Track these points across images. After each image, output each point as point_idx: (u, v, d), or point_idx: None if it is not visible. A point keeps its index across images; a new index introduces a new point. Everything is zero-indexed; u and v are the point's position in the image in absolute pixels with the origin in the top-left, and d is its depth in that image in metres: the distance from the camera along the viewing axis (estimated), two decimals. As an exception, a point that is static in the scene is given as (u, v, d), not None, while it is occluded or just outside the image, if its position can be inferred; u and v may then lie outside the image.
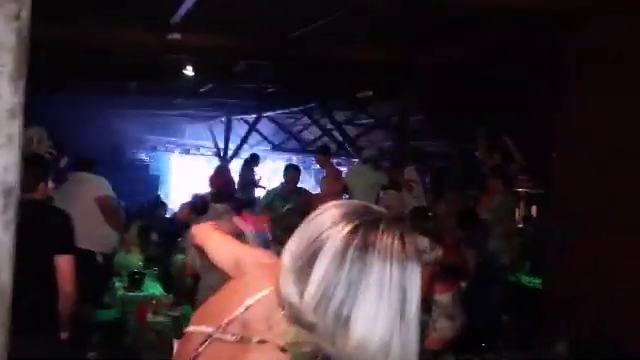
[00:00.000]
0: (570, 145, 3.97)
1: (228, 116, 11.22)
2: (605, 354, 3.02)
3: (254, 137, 11.70)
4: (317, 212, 0.85)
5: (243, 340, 0.90)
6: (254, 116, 10.54)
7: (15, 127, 1.12)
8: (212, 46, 4.98)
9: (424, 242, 3.32)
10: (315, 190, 6.99)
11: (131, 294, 4.67)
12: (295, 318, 0.78)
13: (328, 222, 0.80)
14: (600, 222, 3.57)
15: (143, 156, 12.69)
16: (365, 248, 0.77)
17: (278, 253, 0.90)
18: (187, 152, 13.14)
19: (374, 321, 0.75)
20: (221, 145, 11.87)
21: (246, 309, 0.95)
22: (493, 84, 5.75)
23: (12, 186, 1.12)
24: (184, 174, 12.69)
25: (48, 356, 2.29)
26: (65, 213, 2.51)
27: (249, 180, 8.94)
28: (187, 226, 5.79)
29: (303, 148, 12.17)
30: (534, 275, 5.40)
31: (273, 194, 5.54)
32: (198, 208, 4.07)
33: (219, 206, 3.49)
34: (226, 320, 0.95)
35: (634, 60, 3.44)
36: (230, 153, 11.52)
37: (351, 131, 8.98)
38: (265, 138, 12.25)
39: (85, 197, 4.27)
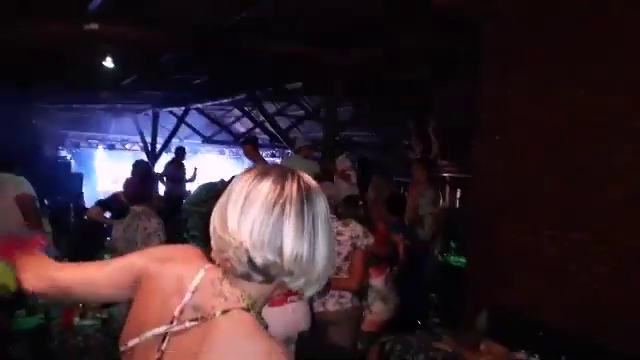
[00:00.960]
0: (488, 129, 4.19)
1: (155, 109, 10.85)
2: (520, 324, 3.26)
3: (184, 130, 11.41)
4: (245, 189, 0.98)
5: (205, 319, 0.98)
6: (182, 108, 10.28)
7: None
8: (133, 36, 4.78)
9: (358, 229, 3.40)
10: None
11: (55, 298, 4.45)
12: (275, 274, 0.97)
13: (273, 192, 0.97)
14: (515, 205, 3.83)
15: (65, 153, 12.02)
16: (311, 200, 0.99)
17: None
18: (112, 147, 12.58)
19: (328, 252, 1.00)
20: (148, 139, 11.47)
21: (192, 294, 1.02)
22: (416, 75, 5.97)
23: None
24: (109, 171, 12.16)
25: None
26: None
27: (178, 175, 8.70)
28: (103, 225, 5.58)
29: (235, 140, 12.03)
30: (460, 255, 5.70)
31: (206, 190, 5.42)
32: (114, 209, 3.92)
33: (137, 208, 3.37)
34: (177, 310, 1.00)
35: (551, 41, 3.67)
36: (158, 147, 11.17)
37: (283, 122, 8.98)
38: (195, 131, 11.98)
39: (4, 197, 4.04)
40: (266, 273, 0.97)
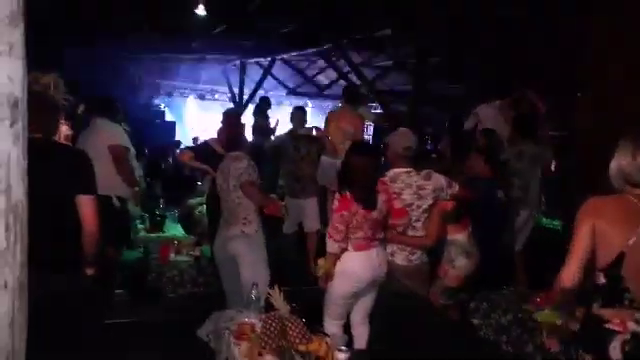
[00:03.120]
0: (590, 83, 3.86)
1: (243, 59, 11.02)
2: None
3: (269, 82, 11.53)
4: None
5: None
6: (269, 59, 10.34)
7: (16, 35, 1.08)
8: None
9: (441, 181, 3.30)
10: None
11: (153, 235, 4.80)
12: None
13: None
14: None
15: (159, 102, 12.67)
16: None
17: None
18: (202, 97, 13.04)
19: None
20: (236, 90, 11.75)
21: None
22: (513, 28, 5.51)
23: (19, 97, 1.10)
24: (199, 119, 12.67)
25: (76, 290, 2.36)
26: (86, 154, 2.52)
27: (264, 126, 8.82)
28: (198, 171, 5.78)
29: (319, 92, 12.00)
30: (553, 217, 5.40)
31: (286, 139, 5.44)
32: (204, 154, 4.04)
33: (232, 153, 3.51)
34: None
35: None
36: (245, 98, 11.42)
37: (368, 74, 8.76)
38: (280, 82, 12.08)
39: (100, 143, 4.22)
40: None
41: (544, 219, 5.47)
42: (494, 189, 3.94)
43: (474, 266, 3.57)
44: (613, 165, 1.93)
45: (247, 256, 3.37)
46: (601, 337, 1.81)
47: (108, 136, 4.27)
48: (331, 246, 2.89)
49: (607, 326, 1.80)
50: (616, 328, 1.79)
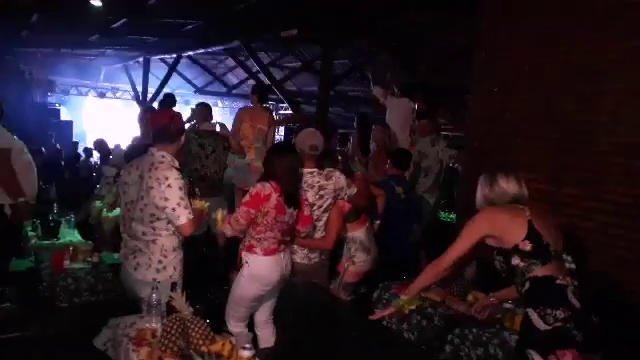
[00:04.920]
0: (485, 81, 4.14)
1: (146, 56, 10.58)
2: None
3: (176, 80, 11.17)
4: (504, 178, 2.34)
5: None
6: (174, 56, 10.01)
7: None
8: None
9: (342, 180, 3.38)
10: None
11: (46, 242, 4.46)
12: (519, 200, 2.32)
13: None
14: (501, 157, 3.83)
15: (54, 100, 11.80)
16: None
17: None
18: (102, 95, 12.34)
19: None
20: (139, 88, 11.25)
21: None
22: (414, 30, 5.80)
23: None
24: (99, 119, 11.98)
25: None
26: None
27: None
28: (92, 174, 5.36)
29: (228, 91, 11.85)
30: (450, 211, 5.74)
31: (190, 136, 5.24)
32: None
33: (156, 152, 2.72)
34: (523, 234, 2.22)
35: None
36: (149, 97, 10.97)
37: (277, 74, 8.79)
38: (188, 80, 11.75)
39: None
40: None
41: (441, 213, 5.80)
42: (394, 186, 4.12)
43: (373, 261, 3.71)
44: (479, 194, 2.37)
45: (151, 304, 2.52)
46: (561, 292, 2.07)
47: None
48: (227, 230, 2.92)
49: (558, 282, 2.10)
50: (564, 282, 2.10)
